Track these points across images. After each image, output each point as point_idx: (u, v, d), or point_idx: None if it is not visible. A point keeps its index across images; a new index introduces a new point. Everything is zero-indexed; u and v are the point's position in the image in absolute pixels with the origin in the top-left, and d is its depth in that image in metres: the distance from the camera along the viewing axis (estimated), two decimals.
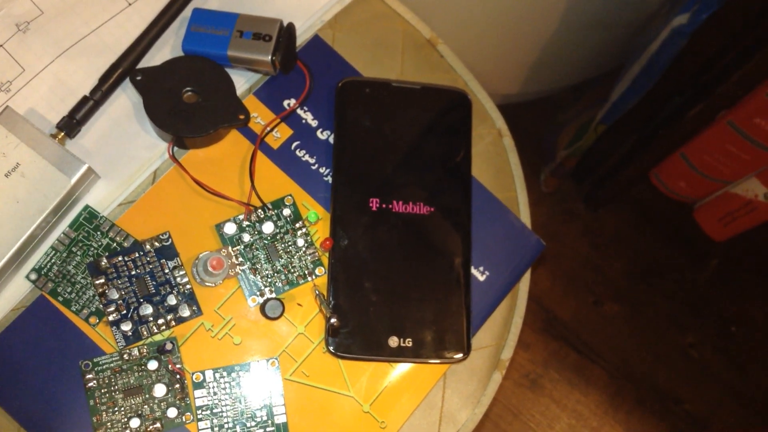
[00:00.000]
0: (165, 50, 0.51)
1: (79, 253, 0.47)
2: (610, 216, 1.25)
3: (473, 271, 0.51)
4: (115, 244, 0.47)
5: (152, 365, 0.45)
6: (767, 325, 1.23)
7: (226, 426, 0.45)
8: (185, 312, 0.46)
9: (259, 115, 0.51)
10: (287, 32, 0.50)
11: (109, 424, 0.45)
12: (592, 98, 1.10)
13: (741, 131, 0.86)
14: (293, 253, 0.49)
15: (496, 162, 0.56)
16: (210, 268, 0.45)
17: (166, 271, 0.47)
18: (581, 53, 1.07)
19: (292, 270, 0.48)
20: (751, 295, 1.24)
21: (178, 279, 0.47)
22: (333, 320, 0.45)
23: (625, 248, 1.25)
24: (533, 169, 1.24)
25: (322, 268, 0.49)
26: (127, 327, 0.46)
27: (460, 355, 0.48)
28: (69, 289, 0.46)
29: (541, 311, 1.22)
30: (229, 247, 0.48)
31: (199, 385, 0.46)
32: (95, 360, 0.45)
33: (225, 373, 0.46)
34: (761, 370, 1.21)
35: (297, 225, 0.49)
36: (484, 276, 0.51)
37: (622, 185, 1.11)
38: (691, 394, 1.20)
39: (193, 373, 0.46)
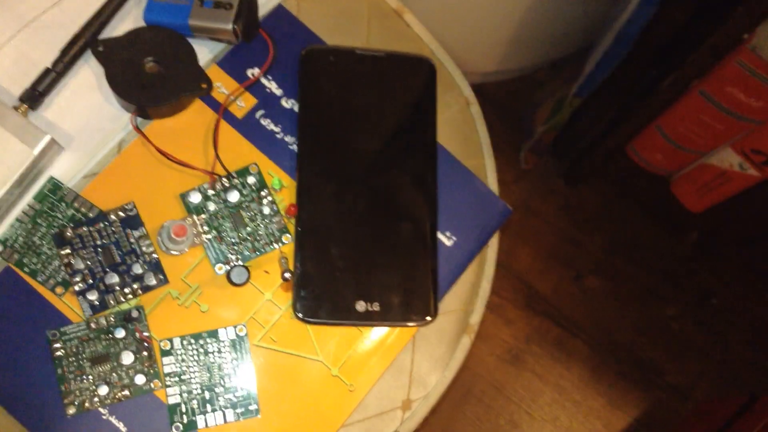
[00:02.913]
0: (127, 21, 0.51)
1: (44, 224, 0.47)
2: (589, 191, 1.26)
3: (440, 236, 0.51)
4: (80, 215, 0.47)
5: (119, 333, 0.46)
6: (747, 295, 1.25)
7: (194, 392, 0.46)
8: (151, 280, 0.47)
9: (223, 85, 0.51)
10: (248, 0, 0.50)
11: (77, 391, 0.45)
12: (570, 74, 1.11)
13: (713, 100, 0.87)
14: (259, 221, 0.49)
15: (463, 130, 0.56)
16: (173, 236, 0.45)
17: (132, 240, 0.47)
18: (557, 28, 1.07)
19: (258, 238, 0.49)
20: (730, 266, 1.25)
21: (144, 248, 0.47)
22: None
23: (605, 222, 1.26)
24: (513, 147, 1.24)
25: (289, 236, 0.49)
26: (93, 296, 0.46)
27: (427, 319, 0.49)
28: (35, 260, 0.46)
29: (522, 287, 1.22)
30: (194, 216, 0.48)
31: (167, 353, 0.46)
32: (62, 329, 0.45)
33: (193, 340, 0.47)
34: (742, 341, 1.23)
35: (262, 193, 0.49)
36: (451, 241, 0.52)
37: (600, 160, 1.11)
38: (672, 366, 1.21)
39: (160, 341, 0.46)
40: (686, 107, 0.92)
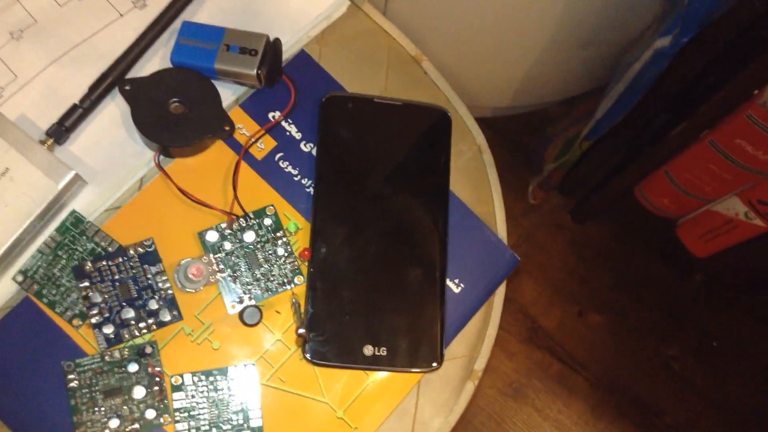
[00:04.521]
0: (154, 61, 0.53)
1: (64, 256, 0.48)
2: (596, 229, 1.27)
3: (449, 283, 0.52)
4: (99, 249, 0.49)
5: (132, 367, 0.47)
6: (748, 340, 1.25)
7: (202, 428, 0.47)
8: (166, 316, 0.48)
9: (245, 127, 0.52)
10: (273, 47, 0.51)
11: (89, 423, 0.46)
12: (581, 113, 1.12)
13: (722, 151, 0.88)
14: (273, 261, 0.50)
15: (475, 177, 0.57)
16: (190, 276, 0.46)
17: (149, 276, 0.48)
18: (569, 70, 1.08)
19: (272, 278, 0.50)
20: (733, 311, 1.25)
21: (160, 284, 0.48)
22: (301, 330, 0.46)
23: (611, 261, 1.27)
24: (522, 180, 1.25)
25: (301, 277, 0.50)
26: (108, 330, 0.47)
27: (433, 365, 0.50)
28: (54, 292, 0.48)
29: (526, 321, 1.23)
30: (211, 255, 0.49)
31: (177, 388, 0.47)
32: (77, 361, 0.47)
33: (203, 377, 0.48)
34: (742, 384, 1.23)
35: (278, 234, 0.50)
36: (459, 288, 0.53)
37: (608, 200, 1.12)
38: (672, 407, 1.21)
39: (172, 376, 0.47)
40: (695, 155, 0.93)
